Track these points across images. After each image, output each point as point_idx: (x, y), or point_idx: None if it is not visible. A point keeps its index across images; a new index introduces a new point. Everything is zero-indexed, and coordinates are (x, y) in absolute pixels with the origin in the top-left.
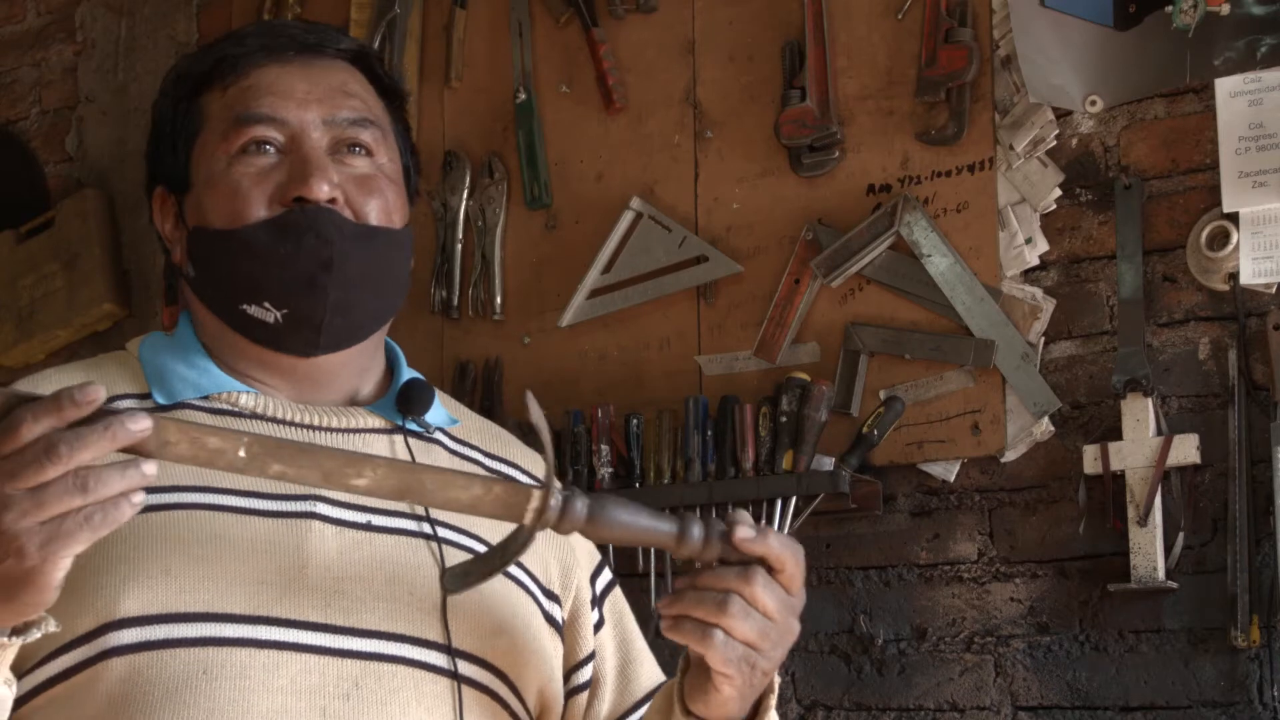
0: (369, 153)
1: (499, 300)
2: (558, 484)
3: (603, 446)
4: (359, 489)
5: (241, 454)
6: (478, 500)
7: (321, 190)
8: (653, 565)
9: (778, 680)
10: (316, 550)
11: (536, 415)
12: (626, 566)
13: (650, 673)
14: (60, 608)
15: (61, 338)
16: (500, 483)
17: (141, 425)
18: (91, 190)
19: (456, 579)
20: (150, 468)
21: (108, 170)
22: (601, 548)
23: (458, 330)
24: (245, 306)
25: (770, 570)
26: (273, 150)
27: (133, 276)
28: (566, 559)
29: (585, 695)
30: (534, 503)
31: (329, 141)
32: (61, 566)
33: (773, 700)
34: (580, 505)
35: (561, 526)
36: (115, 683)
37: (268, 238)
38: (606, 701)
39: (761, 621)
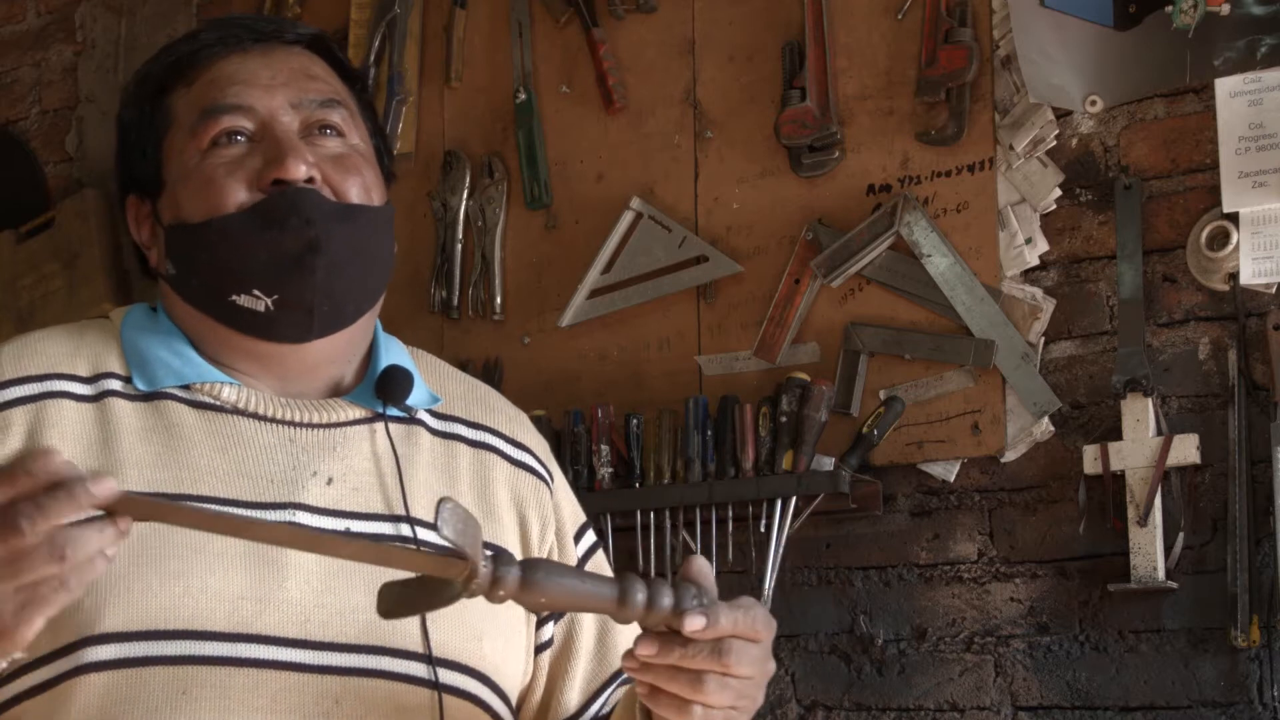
0: (340, 133)
1: (499, 300)
2: (485, 554)
3: (603, 447)
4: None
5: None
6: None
7: (299, 170)
8: (652, 566)
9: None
10: (296, 561)
11: (448, 529)
12: (626, 567)
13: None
14: None
15: None
16: (434, 559)
17: (106, 488)
18: (91, 190)
19: (391, 604)
20: (125, 525)
21: (108, 170)
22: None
23: (458, 330)
24: (235, 297)
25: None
26: (244, 139)
27: (132, 276)
28: (545, 517)
29: (549, 654)
30: (462, 572)
31: (299, 125)
32: (35, 626)
33: None
34: (513, 574)
35: (493, 595)
36: (93, 700)
37: (250, 224)
38: (581, 669)
39: (738, 685)
